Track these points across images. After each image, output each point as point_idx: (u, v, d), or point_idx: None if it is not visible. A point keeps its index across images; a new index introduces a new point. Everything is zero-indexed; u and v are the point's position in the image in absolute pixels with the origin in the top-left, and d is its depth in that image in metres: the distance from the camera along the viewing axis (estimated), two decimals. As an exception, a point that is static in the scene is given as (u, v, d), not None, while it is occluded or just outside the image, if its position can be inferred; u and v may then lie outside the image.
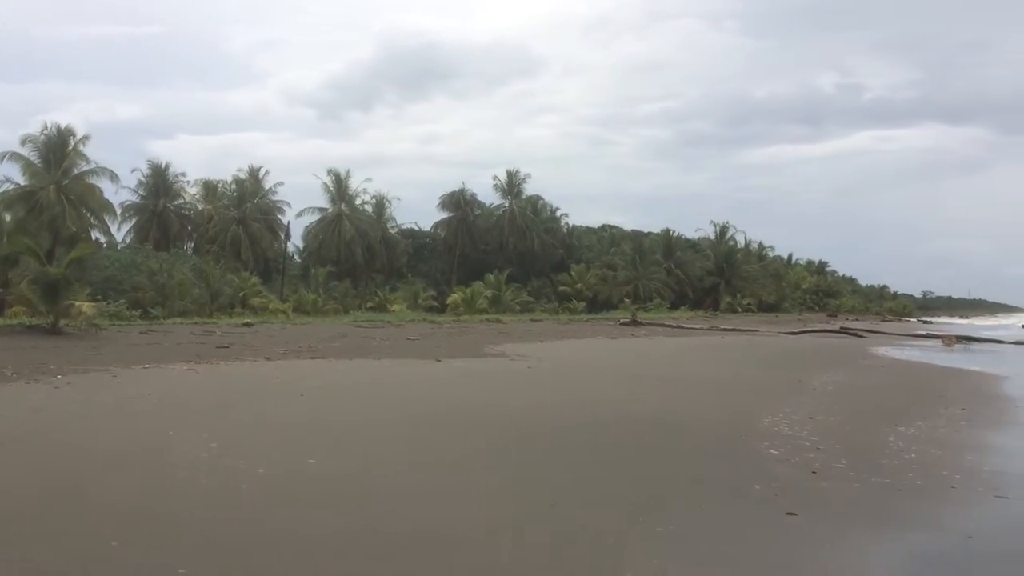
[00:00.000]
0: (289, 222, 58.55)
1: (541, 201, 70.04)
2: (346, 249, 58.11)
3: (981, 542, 5.30)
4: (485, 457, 7.11)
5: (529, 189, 68.75)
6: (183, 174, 56.99)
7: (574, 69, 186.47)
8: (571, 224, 75.17)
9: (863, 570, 4.73)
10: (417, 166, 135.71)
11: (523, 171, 68.63)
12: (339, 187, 59.96)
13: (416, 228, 69.81)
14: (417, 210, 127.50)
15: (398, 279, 61.38)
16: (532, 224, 65.70)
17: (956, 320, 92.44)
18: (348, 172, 60.80)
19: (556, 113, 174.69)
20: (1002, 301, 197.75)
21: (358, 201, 62.04)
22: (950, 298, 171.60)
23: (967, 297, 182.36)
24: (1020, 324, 64.59)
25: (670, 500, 5.88)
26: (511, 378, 13.88)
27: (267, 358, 15.31)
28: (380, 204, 63.45)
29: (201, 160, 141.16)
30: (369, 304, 51.56)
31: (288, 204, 59.27)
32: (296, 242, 61.36)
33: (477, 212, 68.17)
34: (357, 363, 15.12)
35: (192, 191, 57.75)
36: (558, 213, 72.78)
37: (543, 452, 7.43)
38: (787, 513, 5.62)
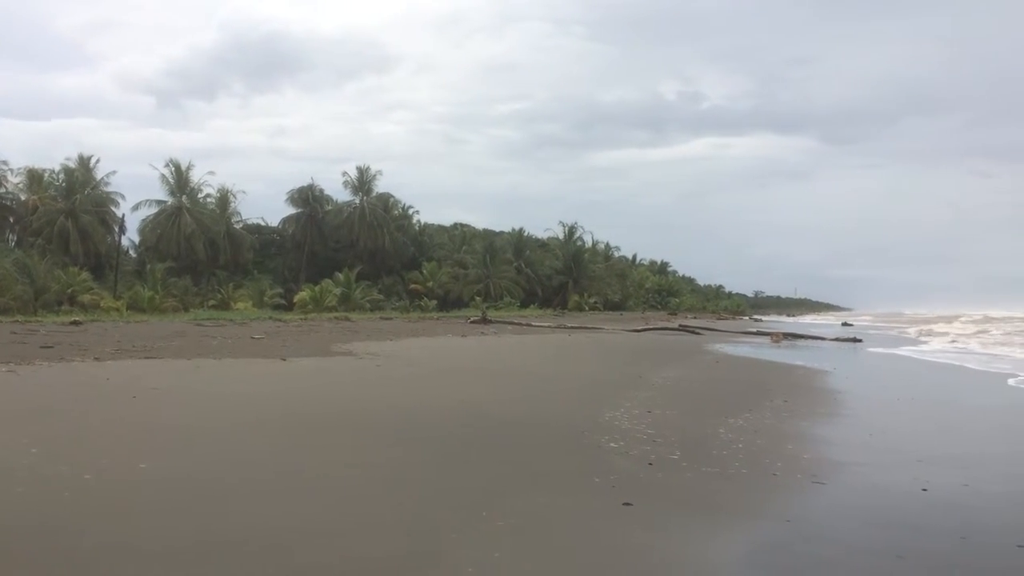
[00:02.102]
0: (124, 215, 55.29)
1: (392, 198, 69.61)
2: (187, 244, 55.58)
3: (799, 525, 5.68)
4: (329, 456, 6.98)
5: (381, 186, 68.22)
6: (5, 162, 52.72)
7: (427, 66, 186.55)
8: (423, 222, 75.17)
9: (693, 554, 4.97)
10: (264, 159, 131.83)
11: (374, 168, 67.92)
12: (179, 179, 57.25)
13: (263, 223, 67.78)
14: (264, 205, 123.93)
15: (243, 276, 59.33)
16: (383, 221, 65.13)
17: (784, 318, 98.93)
18: (190, 164, 58.12)
19: (409, 110, 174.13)
20: (825, 300, 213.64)
21: (200, 194, 59.43)
22: (779, 297, 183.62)
23: (794, 296, 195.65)
24: (840, 322, 69.74)
25: (512, 494, 5.98)
26: (359, 376, 13.70)
27: (97, 358, 14.43)
28: (224, 198, 61.12)
29: (25, 147, 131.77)
30: (211, 302, 49.68)
31: (123, 196, 55.97)
32: (132, 236, 58.05)
33: (327, 208, 66.93)
34: (196, 363, 14.48)
35: (15, 180, 53.50)
36: (410, 211, 72.59)
37: (388, 449, 7.38)
38: (624, 503, 5.83)
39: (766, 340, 35.49)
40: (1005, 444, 9.58)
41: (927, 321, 70.17)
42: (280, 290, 56.19)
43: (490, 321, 40.18)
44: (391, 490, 5.91)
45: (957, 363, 22.81)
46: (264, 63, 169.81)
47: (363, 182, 66.68)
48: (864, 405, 13.15)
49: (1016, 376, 17.79)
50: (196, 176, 58.32)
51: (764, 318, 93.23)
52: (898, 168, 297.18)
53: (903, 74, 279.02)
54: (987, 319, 70.10)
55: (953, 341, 36.29)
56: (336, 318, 37.84)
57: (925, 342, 36.73)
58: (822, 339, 36.74)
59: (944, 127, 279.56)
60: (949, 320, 69.80)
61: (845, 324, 63.36)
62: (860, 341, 34.64)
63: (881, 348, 31.21)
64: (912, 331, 49.60)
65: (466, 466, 6.86)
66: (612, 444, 8.11)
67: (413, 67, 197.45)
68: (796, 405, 12.11)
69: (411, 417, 9.26)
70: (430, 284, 64.20)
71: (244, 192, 65.32)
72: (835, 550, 5.17)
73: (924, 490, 6.71)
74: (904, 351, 29.44)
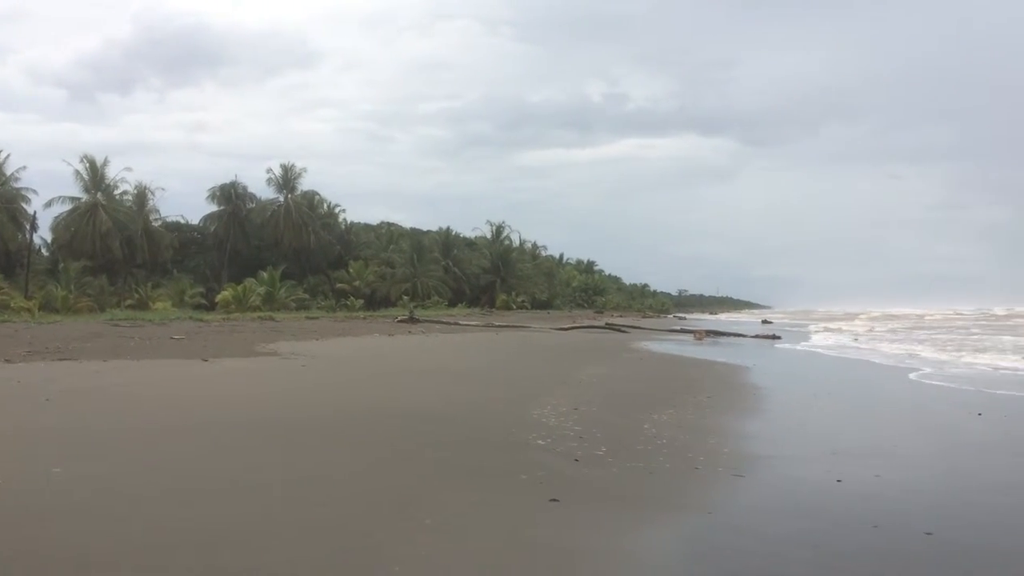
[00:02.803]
0: (36, 212, 53.12)
1: (318, 196, 68.63)
2: (102, 242, 53.74)
3: (719, 517, 5.83)
4: (252, 459, 6.86)
5: (306, 184, 67.17)
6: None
7: (354, 63, 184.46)
8: (349, 221, 74.30)
9: (618, 548, 5.04)
10: (184, 155, 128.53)
11: (299, 165, 66.85)
12: (94, 175, 55.31)
13: (183, 221, 65.96)
14: (184, 203, 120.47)
15: (162, 275, 57.75)
16: (309, 220, 64.15)
17: (707, 316, 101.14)
18: (105, 159, 56.16)
19: (335, 107, 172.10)
20: (746, 299, 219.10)
21: (117, 191, 57.53)
22: (702, 296, 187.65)
23: (716, 295, 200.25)
24: (760, 320, 71.56)
25: (440, 493, 5.97)
26: (283, 377, 13.49)
27: (7, 360, 13.89)
28: (142, 194, 59.32)
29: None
30: (129, 302, 48.26)
31: (35, 192, 53.71)
32: (44, 234, 55.82)
33: (250, 206, 65.51)
34: (113, 364, 14.06)
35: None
36: (336, 209, 71.61)
37: (314, 450, 7.29)
38: (550, 500, 5.89)
39: (690, 338, 36.25)
40: (911, 436, 9.98)
41: (833, 319, 73.60)
42: (201, 289, 54.87)
43: (418, 320, 40.01)
44: (315, 491, 5.84)
45: (825, 352, 23.69)
46: (182, 57, 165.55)
47: (288, 179, 65.57)
48: (782, 400, 13.55)
49: (917, 371, 18.59)
50: (112, 172, 56.50)
51: (688, 316, 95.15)
52: (815, 170, 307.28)
53: (821, 78, 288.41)
54: (887, 316, 74.96)
55: (855, 337, 37.92)
56: (260, 318, 37.18)
57: (810, 338, 38.61)
58: (743, 336, 37.68)
59: (859, 131, 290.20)
60: (851, 318, 74.32)
61: (765, 322, 64.99)
62: (779, 338, 35.66)
63: (788, 344, 32.17)
64: (812, 328, 52.04)
65: (392, 466, 6.83)
66: (539, 441, 8.17)
67: (339, 64, 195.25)
68: (718, 400, 12.40)
69: (338, 417, 9.16)
70: (357, 283, 63.54)
71: (163, 189, 63.37)
72: (754, 541, 5.32)
73: (838, 481, 6.95)
74: (801, 346, 30.56)
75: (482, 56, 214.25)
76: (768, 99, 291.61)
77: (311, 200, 67.06)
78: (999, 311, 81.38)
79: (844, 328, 49.44)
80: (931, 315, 76.66)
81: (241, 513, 5.24)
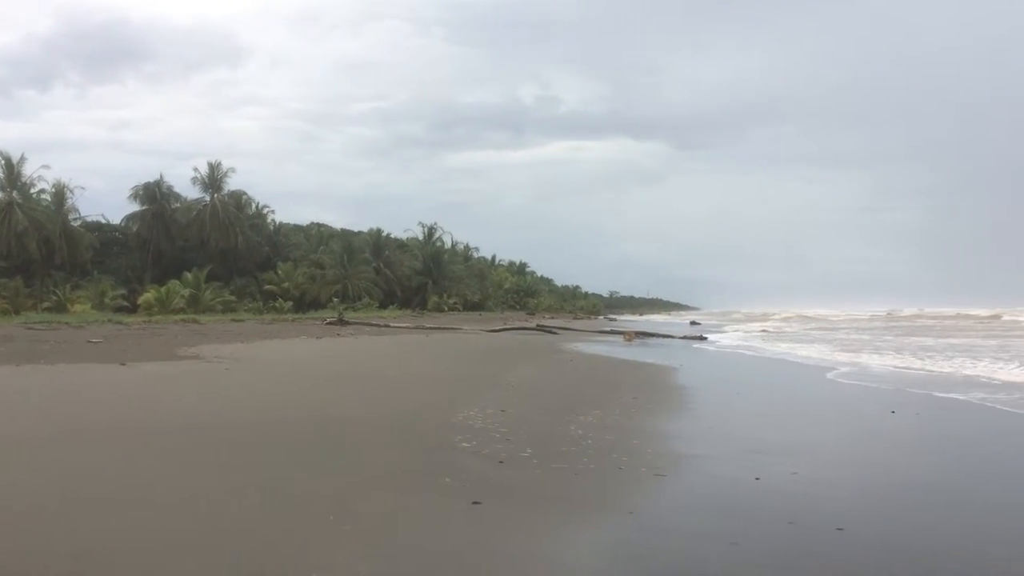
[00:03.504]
0: (-54, 211, 50.89)
1: (246, 196, 67.24)
2: (18, 243, 51.76)
3: (640, 516, 5.88)
4: (166, 466, 6.66)
5: (233, 183, 65.71)
6: None
7: (281, 61, 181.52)
8: (278, 221, 73.05)
9: (538, 549, 5.04)
10: (105, 153, 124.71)
11: (226, 164, 65.35)
12: (10, 173, 53.29)
13: (104, 221, 63.86)
14: (106, 202, 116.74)
15: (82, 277, 55.83)
16: (236, 220, 62.78)
17: (637, 317, 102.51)
18: (22, 156, 54.12)
19: (263, 106, 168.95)
20: (675, 300, 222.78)
21: (34, 189, 55.47)
22: (633, 297, 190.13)
23: (647, 296, 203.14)
24: (688, 321, 72.89)
25: (361, 497, 5.89)
26: (205, 381, 13.17)
27: (-92, 366, 13.24)
28: (60, 193, 57.25)
29: None
30: (46, 304, 46.60)
31: (-55, 191, 51.48)
32: (-46, 234, 53.46)
33: (175, 206, 63.77)
34: (25, 369, 13.53)
35: None
36: (264, 210, 70.31)
37: (232, 456, 7.11)
38: (473, 502, 5.86)
39: (619, 339, 36.65)
40: (828, 434, 10.26)
41: (752, 319, 76.37)
42: (123, 291, 53.27)
43: (347, 322, 39.58)
44: (232, 498, 5.69)
45: (748, 353, 24.33)
46: (104, 52, 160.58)
47: (214, 179, 64.08)
48: (706, 399, 13.79)
49: (834, 370, 19.17)
50: (29, 170, 54.46)
51: (619, 317, 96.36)
52: (742, 174, 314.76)
53: (747, 84, 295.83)
54: (799, 316, 78.70)
55: (764, 338, 39.29)
56: (183, 320, 36.26)
57: (728, 337, 40.14)
58: (671, 337, 38.29)
59: (783, 136, 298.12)
60: (765, 318, 77.57)
61: (693, 323, 66.23)
62: (705, 339, 36.33)
63: (714, 345, 32.82)
64: (731, 328, 53.85)
65: (314, 471, 6.71)
66: (465, 444, 8.14)
67: (267, 61, 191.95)
68: (644, 401, 12.54)
69: (259, 422, 8.97)
70: (286, 285, 62.50)
71: (82, 188, 61.25)
72: (674, 539, 5.39)
73: (757, 479, 7.10)
74: (723, 346, 31.17)
75: (412, 57, 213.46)
76: (697, 104, 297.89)
77: (239, 200, 65.69)
78: (908, 311, 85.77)
79: (754, 330, 50.77)
80: (836, 315, 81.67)
81: (148, 522, 5.07)
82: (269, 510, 5.46)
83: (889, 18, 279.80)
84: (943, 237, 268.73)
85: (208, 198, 63.66)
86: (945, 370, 18.77)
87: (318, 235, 75.30)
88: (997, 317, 61.45)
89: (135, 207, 63.08)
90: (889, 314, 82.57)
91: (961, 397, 13.51)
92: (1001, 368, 18.76)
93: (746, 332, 47.12)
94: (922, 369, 19.32)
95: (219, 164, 64.58)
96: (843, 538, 5.39)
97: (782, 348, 29.92)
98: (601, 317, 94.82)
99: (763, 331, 48.18)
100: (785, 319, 73.77)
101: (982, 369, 18.72)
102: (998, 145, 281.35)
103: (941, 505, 6.48)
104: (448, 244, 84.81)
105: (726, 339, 37.69)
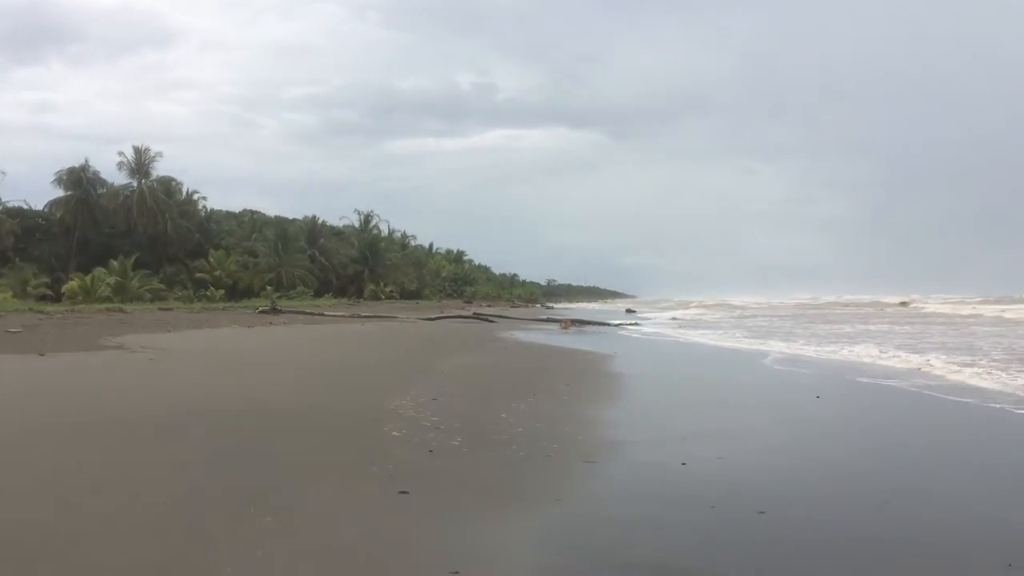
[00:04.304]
0: None
1: (175, 182, 65.40)
2: (-68, 229, 49.55)
3: (568, 504, 5.91)
4: (82, 459, 6.44)
5: (162, 168, 63.79)
6: None
7: (212, 44, 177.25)
8: (210, 208, 71.26)
9: (464, 538, 5.02)
10: (27, 137, 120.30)
11: (155, 148, 63.44)
12: (-78, 156, 50.88)
13: (26, 207, 61.50)
14: (28, 188, 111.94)
15: (2, 264, 53.78)
16: (165, 206, 61.08)
17: (574, 305, 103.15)
18: (-62, 140, 51.73)
19: (193, 89, 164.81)
20: (612, 288, 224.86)
21: (-50, 174, 53.15)
22: (570, 285, 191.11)
23: (584, 284, 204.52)
24: (624, 308, 73.65)
25: (284, 489, 5.78)
26: (128, 371, 12.81)
27: None
28: (-21, 178, 54.91)
29: None
30: (-38, 293, 44.64)
31: None
32: None
33: (101, 191, 61.72)
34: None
35: None
36: (195, 196, 68.46)
37: (152, 449, 6.90)
38: (400, 492, 5.81)
39: (556, 327, 36.83)
40: (759, 419, 10.43)
41: (683, 306, 78.35)
42: (46, 280, 51.45)
43: (280, 311, 38.94)
44: (150, 493, 5.53)
45: (665, 339, 24.76)
46: (26, 32, 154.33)
47: (141, 164, 62.14)
48: (639, 386, 13.95)
49: (769, 355, 19.56)
50: (-56, 153, 52.20)
51: (556, 306, 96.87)
52: (676, 163, 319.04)
53: (681, 75, 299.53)
54: (722, 305, 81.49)
55: (680, 325, 40.26)
56: (108, 309, 35.17)
57: (658, 324, 41.11)
58: (607, 324, 38.65)
59: (716, 126, 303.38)
60: (687, 305, 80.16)
61: (629, 311, 66.87)
62: (639, 326, 36.78)
63: (648, 332, 33.25)
64: (651, 315, 54.99)
65: (238, 463, 6.56)
66: (395, 433, 8.06)
67: (197, 44, 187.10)
68: (577, 388, 12.62)
69: (183, 414, 8.73)
70: (218, 273, 61.14)
71: (3, 172, 58.82)
72: (601, 526, 5.43)
73: (683, 464, 7.18)
74: (654, 333, 31.64)
75: (347, 42, 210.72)
76: (632, 93, 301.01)
77: (167, 185, 63.87)
78: (827, 299, 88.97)
79: (665, 319, 51.22)
80: (758, 303, 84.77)
81: (59, 517, 4.90)
82: (187, 504, 5.31)
83: (827, 9, 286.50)
84: (869, 228, 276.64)
85: (135, 184, 61.83)
86: (847, 358, 18.99)
87: (251, 222, 73.70)
88: (906, 304, 64.46)
89: (59, 192, 60.82)
90: (799, 303, 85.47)
91: (867, 380, 13.83)
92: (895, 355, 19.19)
93: (662, 321, 47.58)
94: (850, 354, 19.80)
95: (146, 149, 62.67)
96: (764, 520, 5.49)
97: (693, 336, 30.20)
98: (538, 305, 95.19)
99: (673, 319, 48.66)
100: (706, 307, 75.95)
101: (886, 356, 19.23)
102: (928, 138, 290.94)
103: (857, 489, 6.63)
104: (385, 232, 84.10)
105: (648, 327, 38.16)
